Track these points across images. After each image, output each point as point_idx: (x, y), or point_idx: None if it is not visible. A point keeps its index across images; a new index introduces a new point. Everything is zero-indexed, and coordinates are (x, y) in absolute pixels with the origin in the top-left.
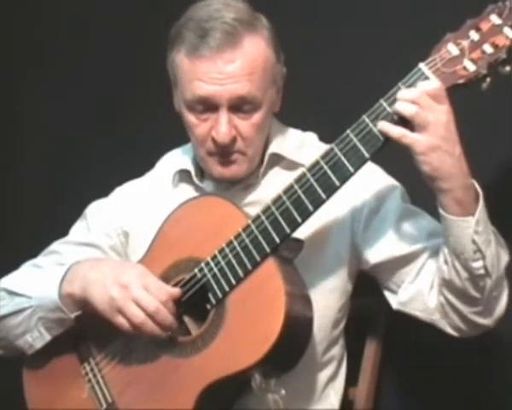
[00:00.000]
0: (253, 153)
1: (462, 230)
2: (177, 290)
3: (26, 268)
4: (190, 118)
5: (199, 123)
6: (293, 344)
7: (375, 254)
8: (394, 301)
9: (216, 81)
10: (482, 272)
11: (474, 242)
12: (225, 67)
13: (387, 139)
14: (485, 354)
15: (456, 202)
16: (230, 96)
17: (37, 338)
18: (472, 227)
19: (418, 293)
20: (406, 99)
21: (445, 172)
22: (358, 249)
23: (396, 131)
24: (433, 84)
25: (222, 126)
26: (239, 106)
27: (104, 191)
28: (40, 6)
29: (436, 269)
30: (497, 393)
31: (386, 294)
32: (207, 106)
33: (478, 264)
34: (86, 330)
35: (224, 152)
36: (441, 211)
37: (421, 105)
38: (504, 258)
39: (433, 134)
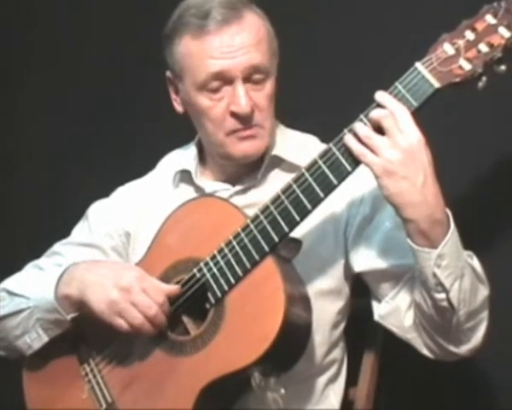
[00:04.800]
0: (270, 126)
1: (424, 260)
2: (174, 288)
3: (29, 269)
4: (204, 102)
5: (214, 104)
6: (292, 343)
7: (361, 262)
8: (376, 312)
9: (227, 55)
10: (445, 304)
11: (434, 275)
12: (234, 39)
13: None
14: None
15: (419, 233)
16: (244, 66)
17: (34, 339)
18: (433, 260)
19: (396, 309)
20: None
21: (403, 200)
22: (348, 254)
23: (357, 148)
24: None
25: (241, 98)
26: (251, 76)
27: (105, 192)
28: (39, 5)
29: None
30: (494, 393)
31: (372, 302)
32: (222, 81)
33: (440, 296)
34: (86, 331)
35: (246, 125)
36: (407, 237)
37: (382, 127)
38: (483, 293)
39: (390, 158)
